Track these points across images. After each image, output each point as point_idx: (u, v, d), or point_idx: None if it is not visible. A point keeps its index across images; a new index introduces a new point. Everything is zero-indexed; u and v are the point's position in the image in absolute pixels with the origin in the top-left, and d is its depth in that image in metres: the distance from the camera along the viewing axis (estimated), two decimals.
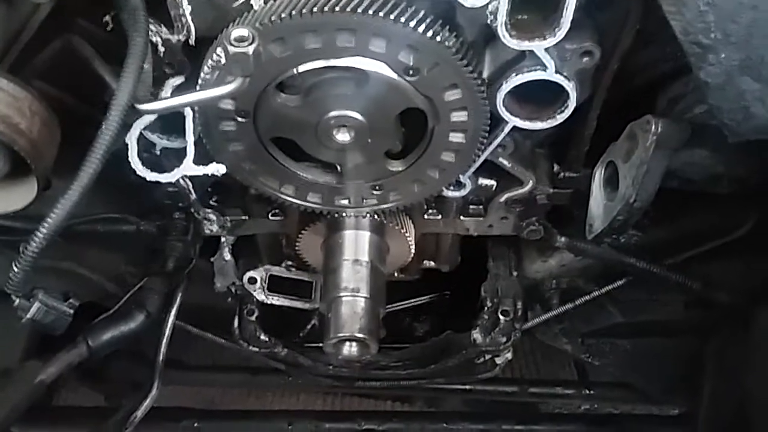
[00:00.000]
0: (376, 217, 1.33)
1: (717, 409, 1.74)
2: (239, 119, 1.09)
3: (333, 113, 1.08)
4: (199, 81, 1.00)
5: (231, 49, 0.81)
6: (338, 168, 1.21)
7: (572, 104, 1.07)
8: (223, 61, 0.93)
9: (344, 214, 1.32)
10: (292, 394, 2.40)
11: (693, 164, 1.19)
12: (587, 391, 1.97)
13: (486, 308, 1.58)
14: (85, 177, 0.84)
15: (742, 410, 1.64)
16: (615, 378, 1.90)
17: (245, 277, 1.52)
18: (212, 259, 1.51)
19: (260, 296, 1.52)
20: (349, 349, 1.30)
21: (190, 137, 1.05)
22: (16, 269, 0.92)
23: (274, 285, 1.54)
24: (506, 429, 1.99)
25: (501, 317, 1.57)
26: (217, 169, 1.08)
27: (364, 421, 2.01)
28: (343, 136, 1.11)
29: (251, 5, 0.99)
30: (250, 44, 0.82)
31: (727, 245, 1.41)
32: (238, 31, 0.82)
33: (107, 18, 0.95)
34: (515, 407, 2.07)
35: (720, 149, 1.15)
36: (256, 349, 1.61)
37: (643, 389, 1.87)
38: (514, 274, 1.61)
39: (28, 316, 1.03)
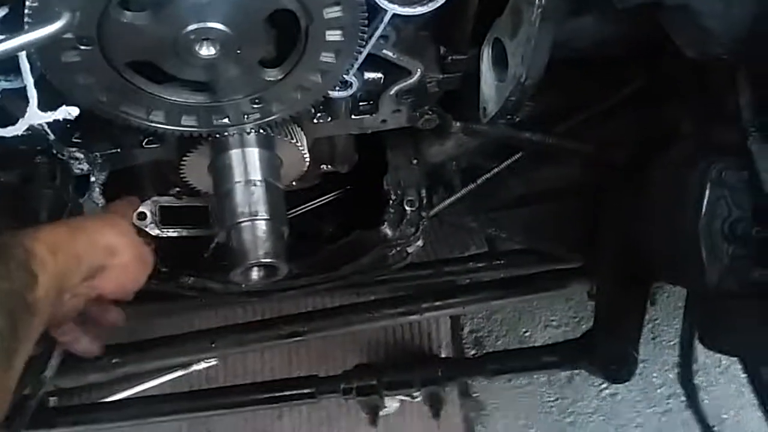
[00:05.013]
0: (262, 131, 1.24)
1: (613, 256, 1.83)
2: (83, 47, 0.94)
3: (191, 27, 0.95)
4: (26, 12, 0.84)
5: None
6: (210, 85, 1.09)
7: None
8: None
9: (227, 133, 1.22)
10: (211, 313, 2.35)
11: (580, 32, 1.15)
12: (498, 261, 2.04)
13: (391, 201, 1.55)
14: None
15: (637, 255, 1.73)
16: (522, 245, 1.96)
17: (134, 214, 1.40)
18: (81, 200, 1.37)
19: (154, 231, 1.41)
20: (258, 275, 1.24)
21: (29, 80, 0.90)
22: None
23: (167, 216, 1.43)
24: (426, 307, 2.05)
25: (407, 208, 1.55)
26: (68, 112, 0.94)
27: (286, 326, 2.01)
28: (207, 51, 0.99)
29: None
30: None
31: (618, 105, 1.41)
32: None
33: None
34: (433, 287, 2.12)
35: (606, 13, 1.12)
36: (158, 282, 1.52)
37: (548, 251, 1.94)
38: (414, 162, 1.58)
39: None
